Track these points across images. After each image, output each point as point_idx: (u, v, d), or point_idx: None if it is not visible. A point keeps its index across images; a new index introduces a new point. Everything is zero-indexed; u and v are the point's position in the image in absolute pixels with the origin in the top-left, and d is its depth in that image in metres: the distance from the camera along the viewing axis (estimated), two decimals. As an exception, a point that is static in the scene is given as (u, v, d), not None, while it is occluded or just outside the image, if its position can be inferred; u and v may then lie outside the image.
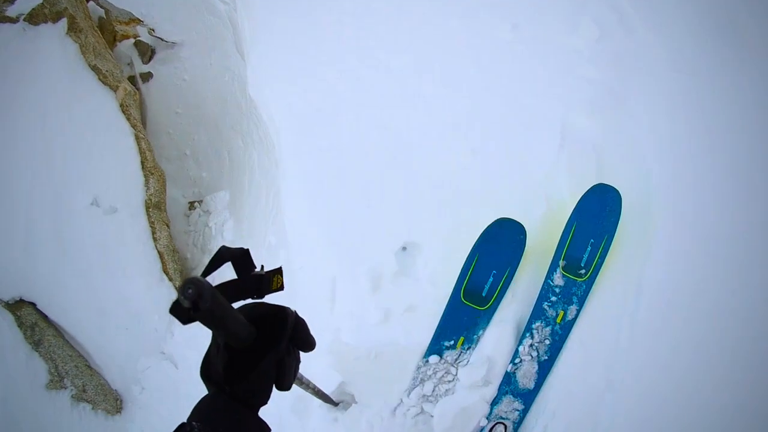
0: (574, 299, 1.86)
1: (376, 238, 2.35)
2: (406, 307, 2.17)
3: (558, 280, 1.89)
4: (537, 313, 1.87)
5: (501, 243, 1.93)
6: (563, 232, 1.90)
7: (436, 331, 1.99)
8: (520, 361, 1.89)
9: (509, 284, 1.94)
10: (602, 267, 1.84)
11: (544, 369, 1.85)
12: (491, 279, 1.88)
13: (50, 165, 3.01)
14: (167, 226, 3.08)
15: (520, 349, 1.89)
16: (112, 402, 3.04)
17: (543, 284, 1.90)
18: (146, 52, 3.82)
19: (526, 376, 1.87)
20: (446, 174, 2.38)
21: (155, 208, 3.01)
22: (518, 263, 1.95)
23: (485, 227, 1.95)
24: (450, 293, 1.97)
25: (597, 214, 1.87)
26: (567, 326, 1.85)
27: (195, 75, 3.68)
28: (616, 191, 1.89)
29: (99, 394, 3.02)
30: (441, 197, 2.34)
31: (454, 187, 2.34)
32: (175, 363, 3.06)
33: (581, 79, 2.47)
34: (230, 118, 3.37)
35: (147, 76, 3.75)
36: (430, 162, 2.43)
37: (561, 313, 1.85)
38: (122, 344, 3.05)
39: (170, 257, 3.02)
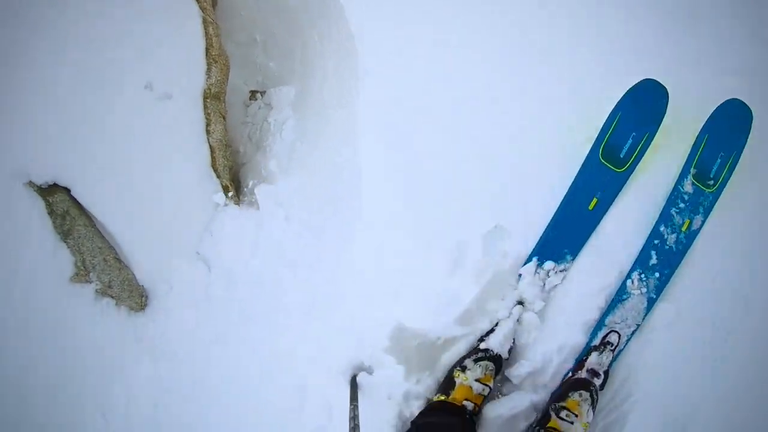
0: (701, 209, 1.80)
1: (462, 215, 2.19)
2: (486, 297, 2.06)
3: (688, 187, 1.82)
4: (665, 217, 1.80)
5: (643, 105, 1.85)
6: (695, 140, 1.84)
7: (566, 195, 1.90)
8: (629, 296, 1.81)
9: (646, 150, 1.86)
10: (728, 183, 1.78)
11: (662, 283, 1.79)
12: (630, 141, 1.82)
13: (104, 44, 2.79)
14: (223, 118, 2.90)
15: (632, 276, 1.82)
16: (137, 299, 2.88)
17: (673, 189, 1.83)
18: None
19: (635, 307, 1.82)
20: (557, 158, 2.15)
21: (214, 98, 2.84)
22: (657, 129, 1.88)
23: (629, 87, 1.86)
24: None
25: (728, 128, 1.80)
26: (691, 236, 1.78)
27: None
28: (749, 109, 1.82)
29: (125, 290, 2.85)
30: (548, 181, 2.14)
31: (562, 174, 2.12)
32: (209, 266, 2.91)
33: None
34: (311, 13, 3.10)
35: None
36: (543, 140, 2.19)
37: (687, 221, 1.78)
38: (156, 240, 2.88)
39: (221, 152, 2.85)
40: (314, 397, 2.51)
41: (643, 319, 1.87)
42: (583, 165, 1.90)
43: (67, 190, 2.78)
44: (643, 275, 1.81)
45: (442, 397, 1.98)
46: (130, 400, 2.89)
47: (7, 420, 2.76)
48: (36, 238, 2.78)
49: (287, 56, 3.25)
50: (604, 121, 1.87)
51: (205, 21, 2.76)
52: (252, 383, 2.77)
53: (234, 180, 3.00)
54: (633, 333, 1.89)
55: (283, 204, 2.87)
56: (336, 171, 2.69)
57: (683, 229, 1.78)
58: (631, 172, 1.87)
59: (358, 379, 2.23)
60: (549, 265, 1.91)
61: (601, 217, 1.89)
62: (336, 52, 2.80)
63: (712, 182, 1.85)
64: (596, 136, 1.89)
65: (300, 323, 2.69)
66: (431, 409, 1.98)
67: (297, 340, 2.67)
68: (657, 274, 1.81)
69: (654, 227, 1.84)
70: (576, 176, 1.91)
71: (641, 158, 1.87)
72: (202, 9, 2.76)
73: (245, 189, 3.04)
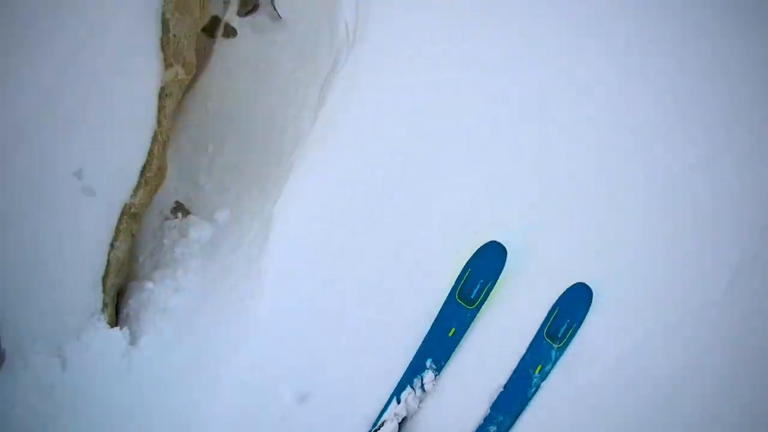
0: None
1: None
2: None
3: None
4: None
5: (488, 259, 2.64)
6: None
7: (430, 328, 2.59)
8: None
9: (491, 291, 2.63)
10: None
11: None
12: (478, 286, 2.60)
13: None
14: (132, 236, 2.83)
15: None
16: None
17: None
18: (249, 4, 3.26)
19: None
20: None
21: (131, 217, 2.74)
22: (498, 276, 2.63)
23: (478, 248, 2.65)
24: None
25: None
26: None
27: (273, 69, 3.20)
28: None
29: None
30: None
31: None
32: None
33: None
34: (283, 146, 3.04)
35: (231, 33, 3.26)
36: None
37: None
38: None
39: (115, 269, 2.72)
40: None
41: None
42: (442, 306, 2.62)
43: None
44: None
45: None
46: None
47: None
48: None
49: (227, 188, 3.11)
50: (459, 271, 2.63)
51: (155, 137, 2.69)
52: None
53: (118, 295, 2.86)
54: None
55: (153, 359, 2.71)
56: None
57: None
58: (480, 308, 2.61)
59: None
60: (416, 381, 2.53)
61: (458, 342, 2.59)
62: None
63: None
64: (454, 281, 2.63)
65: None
66: None
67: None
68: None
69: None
70: (437, 316, 2.61)
71: (488, 296, 2.62)
72: (159, 122, 2.68)
73: (124, 310, 2.88)
